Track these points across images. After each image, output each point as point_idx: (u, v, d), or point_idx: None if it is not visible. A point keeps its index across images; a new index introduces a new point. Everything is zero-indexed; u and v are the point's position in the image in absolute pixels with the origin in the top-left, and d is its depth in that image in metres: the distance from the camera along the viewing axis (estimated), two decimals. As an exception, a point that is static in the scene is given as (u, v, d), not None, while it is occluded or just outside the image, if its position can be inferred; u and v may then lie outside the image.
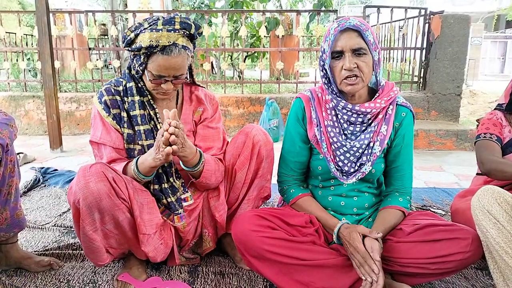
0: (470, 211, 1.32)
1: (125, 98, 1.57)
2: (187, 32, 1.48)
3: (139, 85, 1.58)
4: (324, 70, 1.48)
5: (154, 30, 1.43)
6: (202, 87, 1.76)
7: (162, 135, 1.36)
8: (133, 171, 1.47)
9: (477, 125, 1.96)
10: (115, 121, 1.56)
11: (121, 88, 1.59)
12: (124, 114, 1.56)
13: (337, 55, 1.42)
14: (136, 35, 1.46)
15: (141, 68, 1.50)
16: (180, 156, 1.48)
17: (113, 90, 1.58)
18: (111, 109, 1.56)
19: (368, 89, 1.54)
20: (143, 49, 1.43)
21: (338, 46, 1.40)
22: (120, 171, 1.47)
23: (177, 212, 1.58)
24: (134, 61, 1.51)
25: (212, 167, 1.59)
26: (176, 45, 1.45)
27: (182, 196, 1.61)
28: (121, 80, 1.61)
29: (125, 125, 1.56)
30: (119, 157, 1.56)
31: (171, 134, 1.35)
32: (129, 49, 1.48)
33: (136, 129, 1.56)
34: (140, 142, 1.56)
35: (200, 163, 1.54)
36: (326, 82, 1.49)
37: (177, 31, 1.45)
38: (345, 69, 1.40)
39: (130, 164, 1.50)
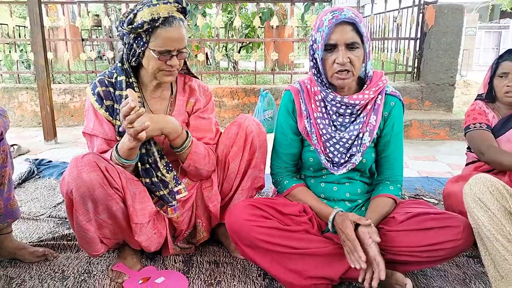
0: (462, 194, 1.34)
1: (115, 92, 1.56)
2: (180, 6, 1.49)
3: (130, 80, 1.56)
4: (314, 60, 1.47)
5: (151, 5, 1.44)
6: (196, 77, 1.76)
7: (124, 116, 1.33)
8: (114, 155, 1.46)
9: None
10: (107, 113, 1.55)
11: (113, 80, 1.58)
12: (117, 106, 1.55)
13: (329, 47, 1.40)
14: (135, 15, 1.46)
15: (142, 49, 1.47)
16: (165, 134, 1.49)
17: (106, 82, 1.57)
18: (104, 101, 1.55)
19: (357, 80, 1.53)
20: (145, 24, 1.42)
21: (332, 39, 1.38)
22: (108, 158, 1.47)
23: (170, 204, 1.58)
24: (134, 45, 1.48)
25: (201, 152, 1.59)
26: (174, 16, 1.46)
27: (175, 189, 1.62)
28: (114, 71, 1.60)
29: (118, 117, 1.55)
30: (110, 149, 1.55)
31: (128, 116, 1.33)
32: (132, 27, 1.44)
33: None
34: None
35: (187, 141, 1.53)
36: (315, 73, 1.48)
37: (171, 3, 1.46)
38: (337, 63, 1.39)
39: (112, 150, 1.49)
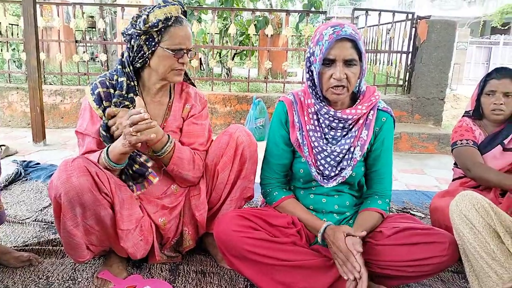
0: (448, 209, 1.35)
1: (115, 92, 1.57)
2: (181, 7, 1.57)
3: (132, 83, 1.58)
4: (310, 72, 1.48)
5: (162, 7, 1.52)
6: (193, 85, 1.78)
7: (130, 124, 1.35)
8: (104, 158, 1.45)
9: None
10: (104, 114, 1.54)
11: (114, 81, 1.59)
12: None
13: (328, 62, 1.41)
14: (147, 16, 1.51)
15: (153, 49, 1.52)
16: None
17: (107, 83, 1.58)
18: (103, 102, 1.56)
19: (350, 94, 1.55)
20: (160, 22, 1.48)
21: (331, 54, 1.39)
22: (96, 161, 1.46)
23: (147, 173, 1.55)
24: (145, 46, 1.52)
25: (186, 157, 1.59)
26: (181, 17, 1.56)
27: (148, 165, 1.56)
28: (114, 73, 1.60)
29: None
30: (98, 149, 1.54)
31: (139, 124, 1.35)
32: (149, 25, 1.48)
33: None
34: None
35: (167, 145, 1.53)
36: (311, 85, 1.50)
37: (176, 5, 1.55)
38: (334, 78, 1.40)
39: (102, 152, 1.48)
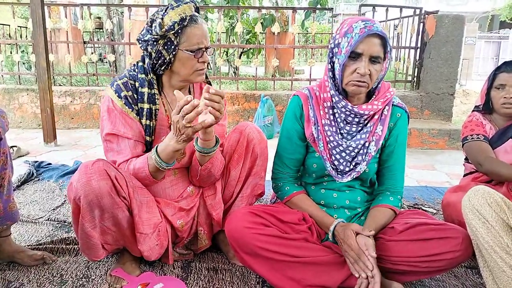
0: (461, 204, 1.35)
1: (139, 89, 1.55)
2: (194, 5, 1.52)
3: (152, 91, 1.54)
4: (332, 63, 1.47)
5: (175, 7, 1.46)
6: (210, 84, 1.76)
7: (184, 116, 1.30)
8: (154, 159, 1.43)
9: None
10: (138, 117, 1.53)
11: (136, 84, 1.55)
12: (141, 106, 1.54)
13: (354, 55, 1.40)
14: (162, 19, 1.46)
15: (173, 53, 1.48)
16: (206, 135, 1.46)
17: (130, 86, 1.54)
18: (132, 105, 1.53)
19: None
20: (176, 24, 1.43)
21: (359, 48, 1.38)
22: (145, 163, 1.46)
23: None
24: (164, 52, 1.48)
25: (219, 156, 1.61)
26: (196, 15, 1.51)
27: None
28: (135, 75, 1.56)
29: (146, 117, 1.53)
30: (141, 154, 1.53)
31: (207, 106, 1.31)
32: (165, 29, 1.43)
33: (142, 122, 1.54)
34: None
35: (217, 144, 1.53)
36: (331, 76, 1.48)
37: (189, 3, 1.50)
38: (358, 73, 1.40)
39: (150, 154, 1.46)
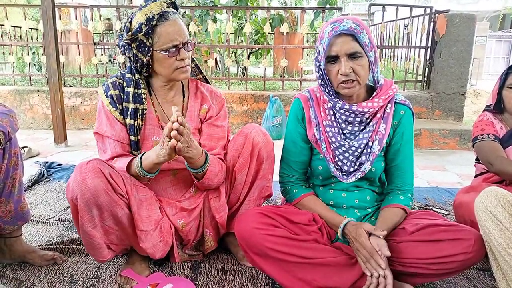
0: (473, 204, 1.33)
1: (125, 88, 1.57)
2: (169, 1, 1.51)
3: (139, 91, 1.56)
4: (320, 71, 1.48)
5: (142, 8, 1.47)
6: (208, 83, 1.77)
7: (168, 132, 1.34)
8: (136, 166, 1.46)
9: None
10: (122, 116, 1.55)
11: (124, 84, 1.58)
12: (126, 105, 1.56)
13: (332, 59, 1.41)
14: (130, 22, 1.48)
15: (149, 55, 1.48)
16: (186, 157, 1.46)
17: (118, 85, 1.57)
18: (117, 104, 1.56)
19: (366, 88, 1.54)
20: (143, 26, 1.43)
21: (332, 51, 1.39)
22: (124, 167, 1.47)
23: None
24: (139, 54, 1.49)
25: (216, 169, 1.58)
26: (167, 11, 1.48)
27: None
28: (125, 73, 1.59)
29: (129, 117, 1.55)
30: (124, 153, 1.55)
31: (174, 130, 1.32)
32: (132, 33, 1.44)
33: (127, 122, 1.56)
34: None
35: (205, 165, 1.51)
36: (322, 83, 1.49)
37: (157, 1, 1.48)
38: (341, 74, 1.40)
39: (135, 160, 1.49)
